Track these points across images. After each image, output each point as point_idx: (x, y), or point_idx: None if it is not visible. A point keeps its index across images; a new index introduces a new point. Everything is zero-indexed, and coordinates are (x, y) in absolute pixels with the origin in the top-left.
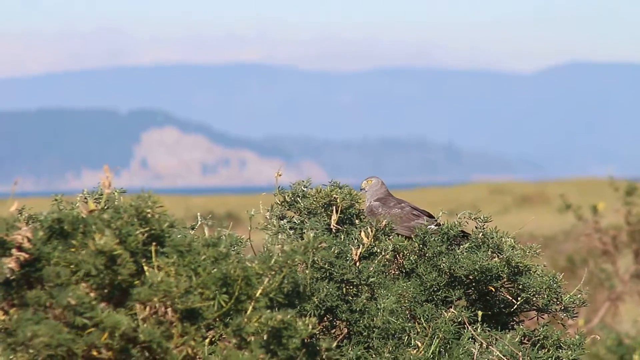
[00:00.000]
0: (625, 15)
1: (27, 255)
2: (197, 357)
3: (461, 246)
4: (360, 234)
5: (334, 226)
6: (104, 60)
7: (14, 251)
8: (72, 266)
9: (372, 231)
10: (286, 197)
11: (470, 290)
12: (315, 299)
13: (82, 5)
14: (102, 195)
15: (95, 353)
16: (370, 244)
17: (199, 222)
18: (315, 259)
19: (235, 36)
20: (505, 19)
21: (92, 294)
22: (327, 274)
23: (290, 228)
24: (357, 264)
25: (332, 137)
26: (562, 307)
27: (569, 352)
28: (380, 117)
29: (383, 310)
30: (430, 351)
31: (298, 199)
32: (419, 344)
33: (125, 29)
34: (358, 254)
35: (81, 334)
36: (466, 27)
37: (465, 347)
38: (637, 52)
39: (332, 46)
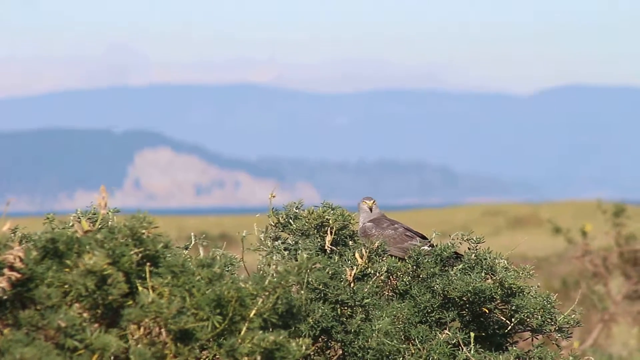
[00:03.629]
0: (623, 38)
1: (19, 275)
2: None
3: (454, 267)
4: (354, 255)
5: (328, 247)
6: (105, 80)
7: (5, 271)
8: (66, 286)
9: (366, 252)
10: (280, 218)
11: (464, 312)
12: (310, 320)
13: (81, 28)
14: (95, 214)
15: None
16: (364, 265)
17: (193, 242)
18: (310, 279)
19: (236, 58)
20: (503, 41)
21: (85, 315)
22: (322, 295)
23: (285, 249)
24: (352, 284)
25: (328, 159)
26: (557, 328)
27: None
28: (375, 139)
29: (378, 332)
30: None
31: (291, 220)
32: None
33: (135, 50)
34: (352, 275)
35: (71, 356)
36: (464, 49)
37: None
38: (634, 75)
39: (337, 68)
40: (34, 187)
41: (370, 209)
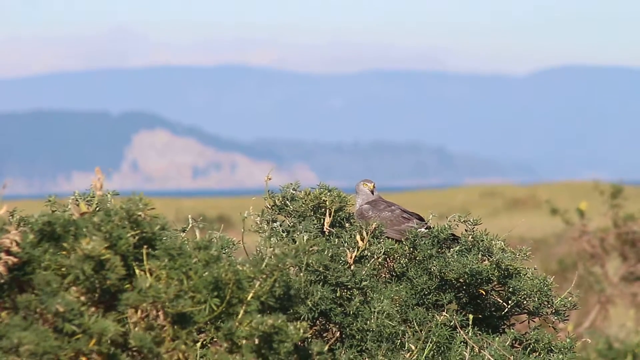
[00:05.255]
0: (619, 19)
1: (15, 259)
2: None
3: (451, 249)
4: (355, 237)
5: (327, 229)
6: (103, 62)
7: (2, 255)
8: (63, 269)
9: (366, 234)
10: (276, 200)
11: (460, 294)
12: (309, 302)
13: (79, 9)
14: (93, 197)
15: (83, 359)
16: (363, 247)
17: (190, 225)
18: (310, 261)
19: (234, 40)
20: (499, 22)
21: (82, 298)
22: (322, 277)
23: (283, 231)
24: (352, 267)
25: (324, 140)
26: (553, 310)
27: (560, 356)
28: (372, 120)
29: (378, 313)
30: (424, 355)
31: (287, 202)
32: (413, 347)
33: (133, 32)
34: (353, 256)
35: (69, 341)
36: (461, 30)
37: (457, 351)
38: (630, 56)
39: (334, 51)
40: (32, 170)
41: (372, 192)
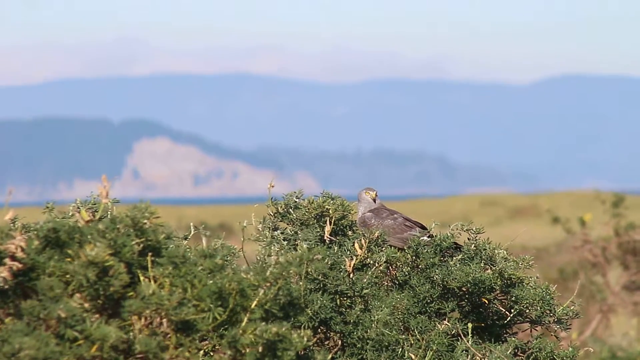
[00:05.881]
0: (619, 28)
1: (20, 265)
2: None
3: (454, 258)
4: (353, 245)
5: (327, 237)
6: (105, 69)
7: (7, 260)
8: (67, 276)
9: (365, 242)
10: (279, 208)
11: (463, 302)
12: (309, 311)
13: (81, 16)
14: (95, 204)
15: None
16: (363, 256)
17: (192, 232)
18: (309, 270)
19: (236, 48)
20: (502, 30)
21: (86, 305)
22: (321, 286)
23: (284, 239)
24: (351, 275)
25: (326, 149)
26: (556, 319)
27: None
28: (374, 129)
29: (377, 322)
30: None
31: (290, 210)
32: (413, 356)
33: (135, 40)
34: (352, 265)
35: (70, 346)
36: (462, 39)
37: (459, 359)
38: (630, 64)
39: (336, 59)
40: (33, 177)
41: (374, 200)
